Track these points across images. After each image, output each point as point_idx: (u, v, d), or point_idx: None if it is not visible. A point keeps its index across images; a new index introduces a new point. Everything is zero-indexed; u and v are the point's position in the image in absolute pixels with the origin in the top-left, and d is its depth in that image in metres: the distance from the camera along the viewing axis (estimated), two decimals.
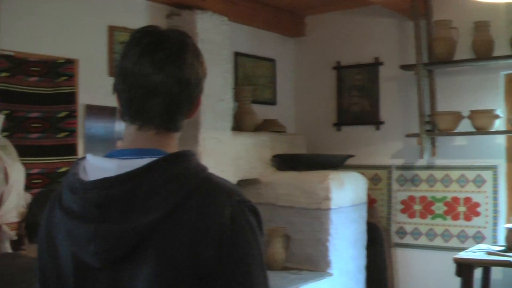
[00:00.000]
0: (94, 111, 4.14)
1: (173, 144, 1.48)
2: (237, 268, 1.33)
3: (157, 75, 1.39)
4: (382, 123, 5.47)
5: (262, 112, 5.36)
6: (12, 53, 3.74)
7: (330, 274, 4.63)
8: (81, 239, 1.37)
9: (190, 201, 1.34)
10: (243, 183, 4.80)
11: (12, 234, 3.15)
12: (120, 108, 1.47)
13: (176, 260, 1.32)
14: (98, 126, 4.17)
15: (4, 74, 3.68)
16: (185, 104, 1.44)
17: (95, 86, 4.12)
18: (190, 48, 1.45)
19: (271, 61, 5.75)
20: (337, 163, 5.23)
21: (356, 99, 5.62)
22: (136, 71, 1.40)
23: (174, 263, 1.32)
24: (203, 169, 1.41)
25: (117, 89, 1.46)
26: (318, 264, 4.68)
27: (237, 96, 5.06)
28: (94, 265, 1.37)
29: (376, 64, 5.52)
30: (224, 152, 4.53)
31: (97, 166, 1.42)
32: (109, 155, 1.44)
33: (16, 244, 3.25)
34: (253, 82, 5.51)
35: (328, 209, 4.66)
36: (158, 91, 1.40)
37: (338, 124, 5.71)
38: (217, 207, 1.34)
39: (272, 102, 5.73)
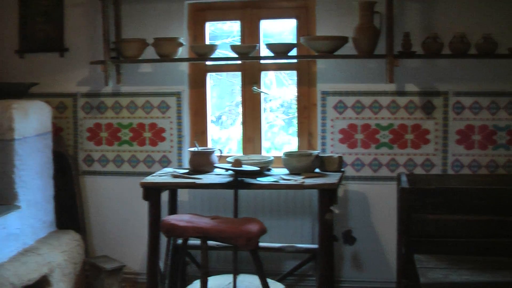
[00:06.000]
0: None
1: None
2: None
3: None
4: (67, 50, 5.31)
5: None
6: None
7: (18, 207, 4.48)
8: None
9: None
10: None
11: None
12: None
13: None
14: None
15: None
16: None
17: None
18: None
19: None
20: (20, 91, 5.00)
21: (40, 25, 5.36)
22: None
23: None
24: None
25: None
26: (4, 198, 4.49)
27: None
28: None
29: None
30: None
31: None
32: None
33: None
34: None
35: (12, 140, 4.47)
36: None
37: (21, 51, 5.40)
38: None
39: None
